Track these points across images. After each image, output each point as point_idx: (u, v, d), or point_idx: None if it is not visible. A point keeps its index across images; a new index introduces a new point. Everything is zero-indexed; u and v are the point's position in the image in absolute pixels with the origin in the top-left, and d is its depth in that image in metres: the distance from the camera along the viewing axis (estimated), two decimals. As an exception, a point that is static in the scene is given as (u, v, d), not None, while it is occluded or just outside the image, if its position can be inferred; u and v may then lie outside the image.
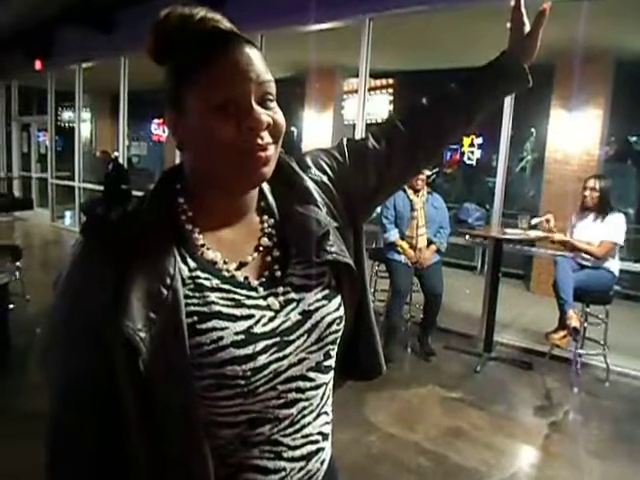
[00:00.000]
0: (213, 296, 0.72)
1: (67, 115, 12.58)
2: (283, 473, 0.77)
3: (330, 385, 0.85)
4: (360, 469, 2.72)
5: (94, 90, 11.36)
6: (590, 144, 6.27)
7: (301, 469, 0.79)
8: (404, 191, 4.22)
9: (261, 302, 0.76)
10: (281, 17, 5.79)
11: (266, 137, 0.73)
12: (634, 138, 13.17)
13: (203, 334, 0.69)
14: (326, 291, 0.81)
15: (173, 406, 0.67)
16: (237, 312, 0.72)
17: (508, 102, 4.58)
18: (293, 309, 0.77)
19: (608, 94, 6.36)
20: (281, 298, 0.77)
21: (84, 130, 11.24)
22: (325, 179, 0.89)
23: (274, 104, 0.75)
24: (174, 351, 0.67)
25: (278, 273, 0.79)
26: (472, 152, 12.26)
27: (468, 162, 11.83)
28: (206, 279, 0.73)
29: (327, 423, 0.85)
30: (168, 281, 0.69)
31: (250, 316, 0.73)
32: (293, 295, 0.78)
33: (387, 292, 4.52)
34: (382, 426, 3.16)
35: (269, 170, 0.75)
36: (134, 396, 0.67)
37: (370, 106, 6.48)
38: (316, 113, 8.78)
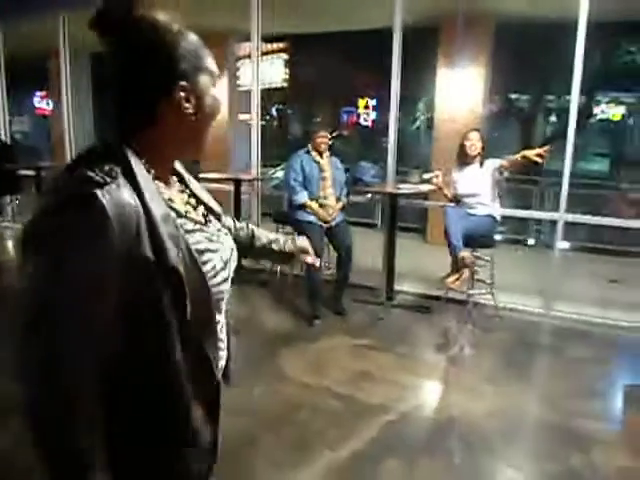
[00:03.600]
0: (197, 236, 0.94)
1: None
2: (218, 360, 1.01)
3: None
4: (279, 417, 2.88)
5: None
6: (474, 102, 6.69)
7: (223, 358, 1.07)
8: (308, 153, 4.38)
9: (222, 238, 1.03)
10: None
11: None
12: (514, 96, 14.14)
13: (205, 265, 0.91)
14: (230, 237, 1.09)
15: (200, 313, 0.89)
16: (213, 246, 0.96)
17: (396, 63, 4.80)
18: (227, 245, 1.04)
19: (489, 54, 6.80)
20: (222, 235, 1.04)
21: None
22: None
23: None
24: (195, 277, 0.88)
25: (217, 221, 1.07)
26: (367, 114, 12.62)
27: (364, 124, 12.18)
28: (185, 224, 0.93)
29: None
30: (173, 222, 0.87)
31: (218, 249, 0.98)
32: (224, 236, 1.05)
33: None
34: (296, 377, 3.34)
35: None
36: (176, 308, 0.85)
37: (266, 71, 6.48)
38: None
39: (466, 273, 4.18)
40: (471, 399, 3.12)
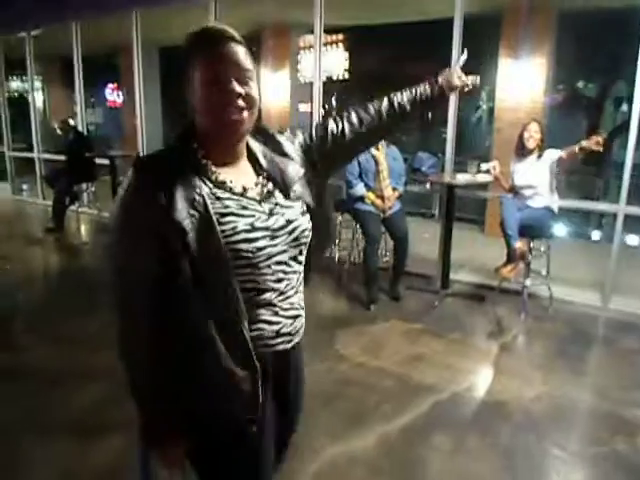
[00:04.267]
0: (228, 202, 1.13)
1: (15, 85, 12.22)
2: (280, 325, 1.20)
3: (302, 274, 1.28)
4: (334, 392, 3.08)
5: (42, 56, 11.06)
6: (536, 92, 6.61)
7: (291, 325, 1.23)
8: None
9: (259, 207, 1.17)
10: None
11: (241, 103, 1.12)
12: (580, 84, 13.67)
13: (224, 225, 1.09)
14: (301, 210, 1.24)
15: (214, 267, 1.08)
16: (244, 212, 1.13)
17: (456, 54, 4.85)
18: (280, 217, 1.19)
19: (552, 44, 6.69)
20: (272, 208, 1.19)
21: (37, 99, 10.98)
22: (297, 142, 1.33)
23: (252, 83, 1.14)
24: (209, 232, 1.07)
25: (271, 196, 1.21)
26: (427, 105, 12.57)
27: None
28: (222, 193, 1.14)
29: (301, 299, 1.30)
30: (198, 191, 1.09)
31: (252, 215, 1.14)
32: (279, 209, 1.20)
33: (352, 241, 5.04)
34: (352, 357, 3.53)
35: (244, 129, 1.15)
36: (189, 263, 1.06)
37: (326, 62, 6.63)
38: (273, 71, 8.85)
39: (521, 264, 4.24)
40: (521, 384, 3.21)
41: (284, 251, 1.18)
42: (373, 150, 4.49)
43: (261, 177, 1.22)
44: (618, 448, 2.57)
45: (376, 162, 4.48)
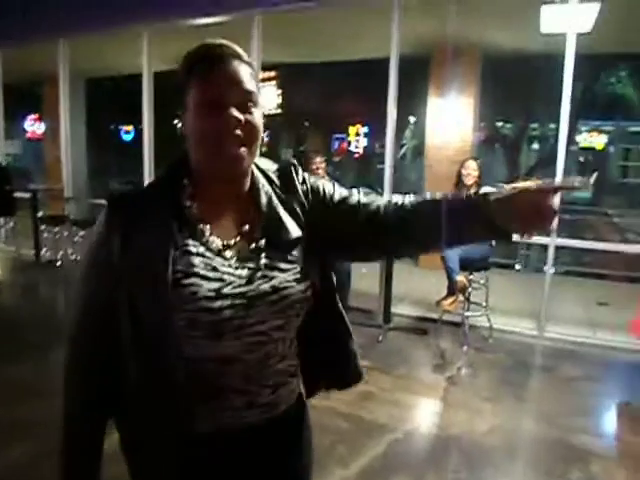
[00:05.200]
0: (196, 260, 0.92)
1: None
2: (254, 394, 0.98)
3: (291, 339, 1.04)
4: (285, 436, 2.94)
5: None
6: (464, 131, 6.90)
7: (272, 393, 1.01)
8: None
9: (234, 270, 0.95)
10: (168, 11, 5.79)
11: (239, 133, 0.92)
12: (500, 123, 14.55)
13: (184, 287, 0.90)
14: (297, 276, 0.98)
15: (156, 335, 0.91)
16: (211, 274, 0.92)
17: (392, 92, 4.98)
18: (264, 282, 0.95)
19: (478, 84, 7.04)
20: (255, 269, 0.95)
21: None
22: (310, 200, 1.06)
23: (255, 110, 0.95)
24: (159, 295, 0.90)
25: (259, 254, 0.97)
26: (358, 141, 12.91)
27: (355, 150, 12.40)
28: (193, 246, 0.94)
29: (291, 365, 1.06)
30: (163, 243, 0.92)
31: (220, 279, 0.93)
32: (267, 272, 0.96)
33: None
34: (300, 397, 3.40)
35: (243, 166, 0.95)
36: (130, 322, 0.92)
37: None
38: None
39: (461, 296, 4.31)
40: (471, 417, 3.21)
41: (263, 321, 0.95)
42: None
43: (255, 227, 0.99)
44: (573, 478, 2.60)
45: None
